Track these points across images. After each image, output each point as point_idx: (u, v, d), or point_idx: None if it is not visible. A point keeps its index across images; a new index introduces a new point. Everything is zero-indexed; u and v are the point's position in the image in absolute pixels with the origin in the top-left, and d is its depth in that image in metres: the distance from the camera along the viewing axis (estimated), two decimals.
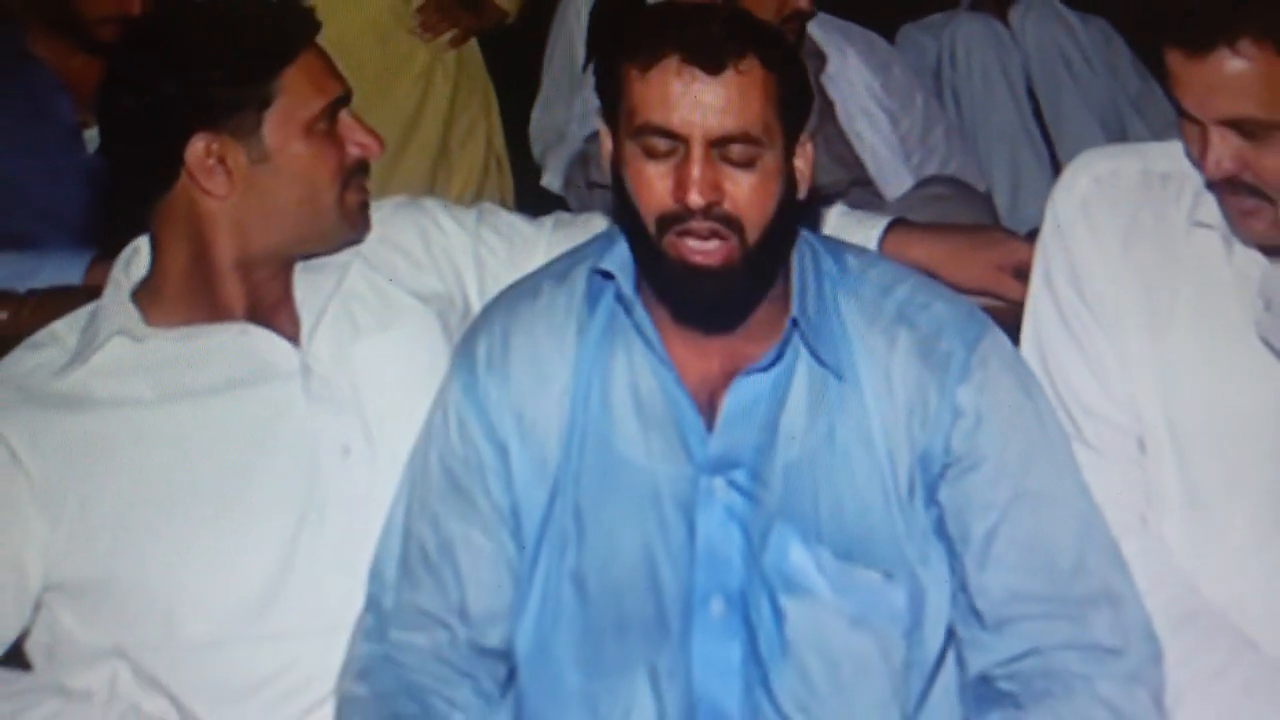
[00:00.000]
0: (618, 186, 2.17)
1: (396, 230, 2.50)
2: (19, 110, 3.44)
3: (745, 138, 2.08)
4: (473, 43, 4.60)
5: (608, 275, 2.23)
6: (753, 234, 2.11)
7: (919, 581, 2.21)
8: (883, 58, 4.01)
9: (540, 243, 2.56)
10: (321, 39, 2.37)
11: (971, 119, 4.67)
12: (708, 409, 2.21)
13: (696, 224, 2.09)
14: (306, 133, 2.33)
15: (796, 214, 2.20)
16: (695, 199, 2.07)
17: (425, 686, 2.25)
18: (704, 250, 2.10)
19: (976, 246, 2.68)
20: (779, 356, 2.20)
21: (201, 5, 2.38)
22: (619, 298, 2.23)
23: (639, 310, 2.20)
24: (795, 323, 2.19)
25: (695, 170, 2.07)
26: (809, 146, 2.19)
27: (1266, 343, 2.24)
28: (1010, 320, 2.42)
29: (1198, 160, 2.20)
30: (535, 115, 4.62)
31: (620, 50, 2.13)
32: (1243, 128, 2.13)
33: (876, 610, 2.20)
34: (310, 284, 2.40)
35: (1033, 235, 2.49)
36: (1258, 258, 2.25)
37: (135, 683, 2.26)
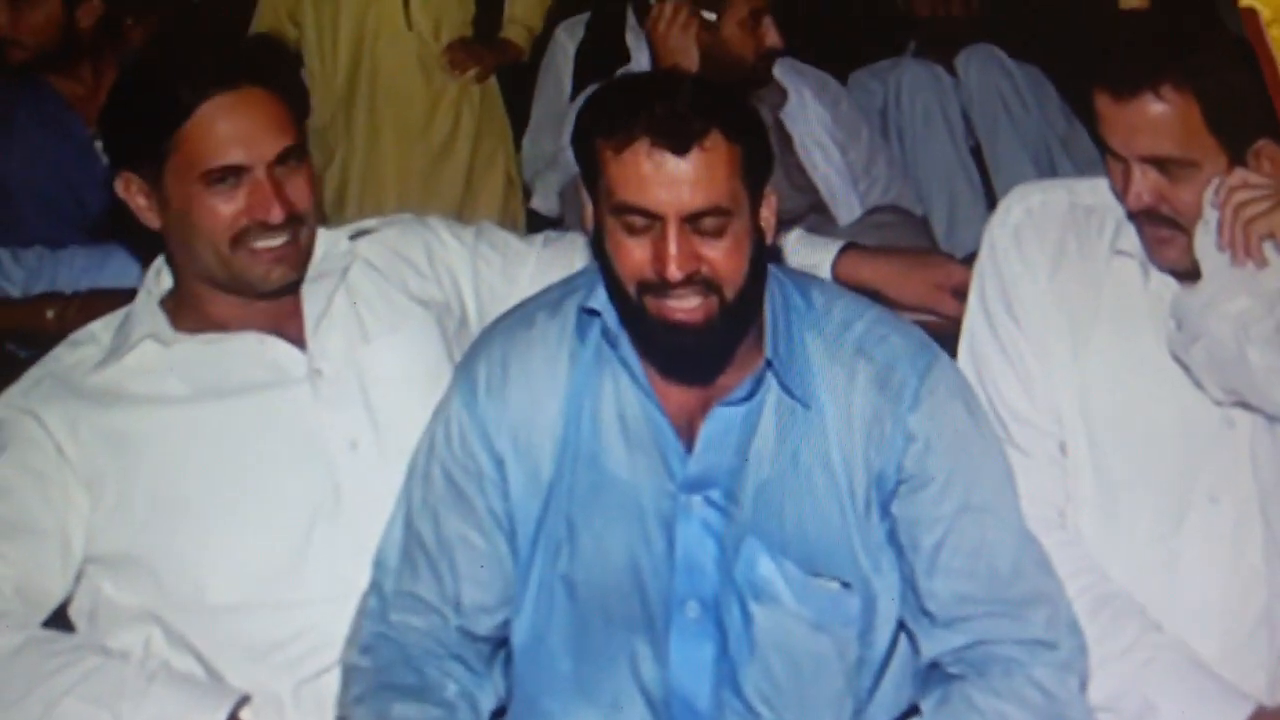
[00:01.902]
0: (599, 249, 2.25)
1: (405, 244, 2.62)
2: (37, 128, 3.59)
3: (716, 210, 2.16)
4: (492, 78, 4.82)
5: (595, 313, 2.32)
6: (730, 291, 2.20)
7: (872, 589, 2.33)
8: (833, 95, 4.17)
9: (531, 257, 2.69)
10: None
11: (913, 154, 4.77)
12: (687, 433, 2.31)
13: (676, 290, 2.18)
14: (203, 187, 2.37)
15: (766, 262, 2.30)
16: (674, 273, 2.16)
17: (422, 661, 2.37)
18: (685, 308, 2.19)
19: (919, 268, 2.83)
20: (752, 391, 2.30)
21: (138, 63, 2.52)
22: (605, 333, 2.32)
23: (624, 345, 2.30)
24: (769, 363, 2.28)
25: (672, 247, 2.16)
26: (773, 198, 2.27)
27: (1176, 358, 2.38)
28: (948, 334, 2.56)
29: (1120, 193, 2.36)
30: (525, 144, 4.75)
31: (594, 126, 2.20)
32: (1161, 165, 2.31)
33: (834, 616, 2.33)
34: (312, 292, 2.50)
35: (969, 259, 2.64)
36: (1170, 282, 2.41)
37: (166, 643, 2.39)
